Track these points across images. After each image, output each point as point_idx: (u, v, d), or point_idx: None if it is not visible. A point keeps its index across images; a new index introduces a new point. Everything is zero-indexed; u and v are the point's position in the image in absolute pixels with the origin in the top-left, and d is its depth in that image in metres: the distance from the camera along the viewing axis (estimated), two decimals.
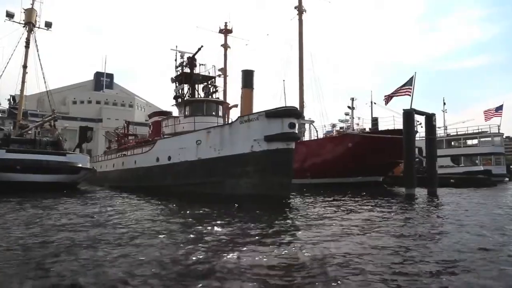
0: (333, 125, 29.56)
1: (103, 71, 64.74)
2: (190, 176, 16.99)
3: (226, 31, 40.67)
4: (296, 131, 14.81)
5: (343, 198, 15.05)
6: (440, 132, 41.37)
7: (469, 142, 38.98)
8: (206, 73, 22.50)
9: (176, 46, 24.07)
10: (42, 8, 27.93)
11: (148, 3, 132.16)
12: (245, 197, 14.78)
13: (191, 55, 22.34)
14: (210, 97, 21.51)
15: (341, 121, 35.37)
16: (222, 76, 40.75)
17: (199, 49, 21.93)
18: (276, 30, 72.76)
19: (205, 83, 21.48)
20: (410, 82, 22.31)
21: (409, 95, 22.39)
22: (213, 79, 22.30)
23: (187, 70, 22.29)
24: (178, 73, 22.02)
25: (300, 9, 31.33)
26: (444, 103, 42.29)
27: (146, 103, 61.94)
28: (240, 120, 15.49)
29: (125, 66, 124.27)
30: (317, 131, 30.83)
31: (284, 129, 14.40)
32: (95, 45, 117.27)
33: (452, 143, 40.85)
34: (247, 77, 36.91)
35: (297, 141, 15.19)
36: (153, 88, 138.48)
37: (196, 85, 22.25)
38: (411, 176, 16.54)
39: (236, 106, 33.68)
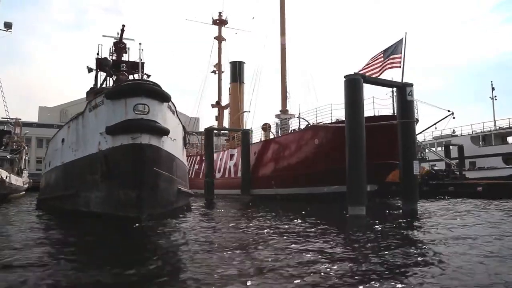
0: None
1: None
2: (57, 187, 12.70)
3: (220, 22, 36.23)
4: (153, 118, 9.52)
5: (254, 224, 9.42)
6: (490, 126, 32.47)
7: None
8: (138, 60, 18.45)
9: (118, 33, 20.34)
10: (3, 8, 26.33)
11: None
12: (98, 217, 10.06)
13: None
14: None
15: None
16: (217, 72, 36.40)
17: (122, 30, 18.07)
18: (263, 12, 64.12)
19: (119, 70, 17.08)
20: (397, 49, 15.76)
21: (399, 66, 15.87)
22: (139, 65, 17.92)
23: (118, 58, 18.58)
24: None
25: None
26: (493, 88, 33.01)
27: None
28: (89, 107, 10.70)
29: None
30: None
31: (129, 115, 9.31)
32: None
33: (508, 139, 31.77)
34: (235, 70, 32.03)
35: (158, 133, 9.83)
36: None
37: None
38: (359, 186, 10.07)
39: None
